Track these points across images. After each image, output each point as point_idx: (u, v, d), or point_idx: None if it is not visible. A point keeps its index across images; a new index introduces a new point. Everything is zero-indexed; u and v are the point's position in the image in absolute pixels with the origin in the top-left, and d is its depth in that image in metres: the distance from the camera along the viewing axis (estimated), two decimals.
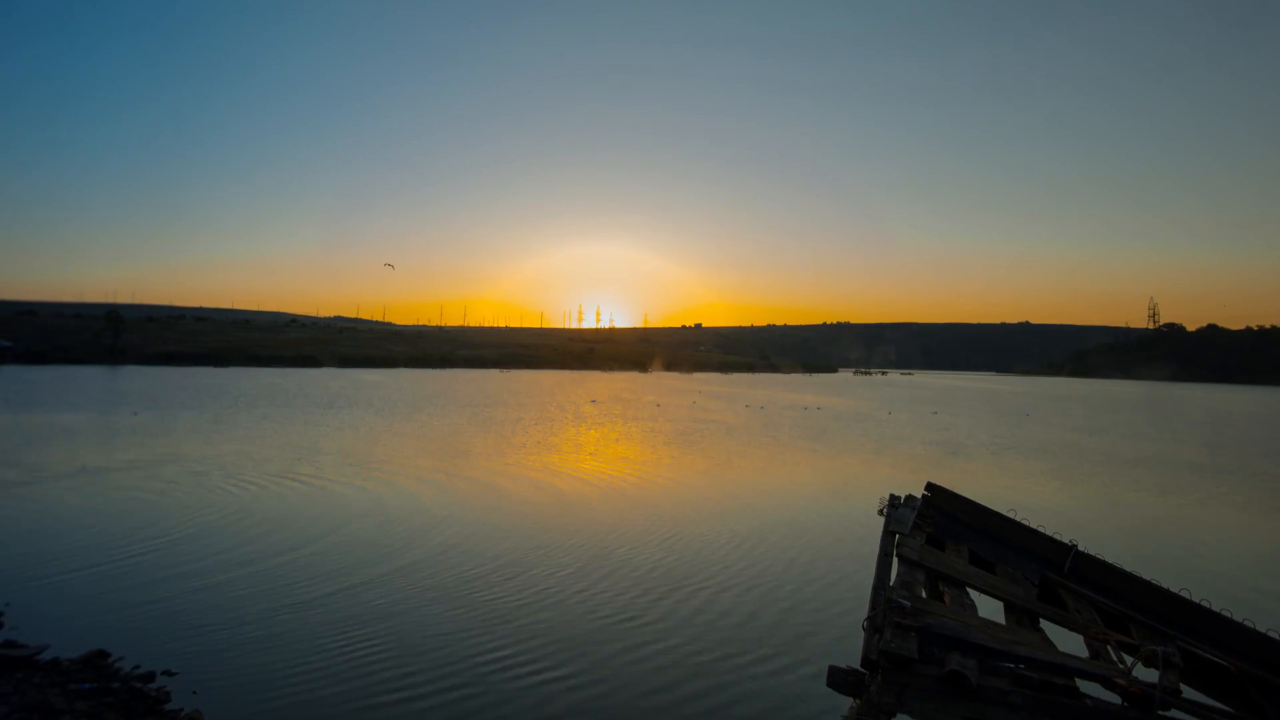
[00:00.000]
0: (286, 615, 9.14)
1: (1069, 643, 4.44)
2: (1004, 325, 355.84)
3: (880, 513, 5.68)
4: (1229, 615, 4.55)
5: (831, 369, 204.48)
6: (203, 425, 30.43)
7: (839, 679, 3.79)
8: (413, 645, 8.33)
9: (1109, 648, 4.14)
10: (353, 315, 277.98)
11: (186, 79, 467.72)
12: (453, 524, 14.35)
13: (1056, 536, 5.37)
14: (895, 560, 4.71)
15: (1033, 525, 5.51)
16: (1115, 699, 3.53)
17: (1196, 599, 4.66)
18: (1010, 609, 4.51)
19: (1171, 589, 4.79)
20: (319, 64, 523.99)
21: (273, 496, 16.53)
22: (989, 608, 4.64)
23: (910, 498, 6.07)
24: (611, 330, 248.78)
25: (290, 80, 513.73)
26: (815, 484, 20.35)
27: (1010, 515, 5.64)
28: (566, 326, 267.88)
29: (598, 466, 22.98)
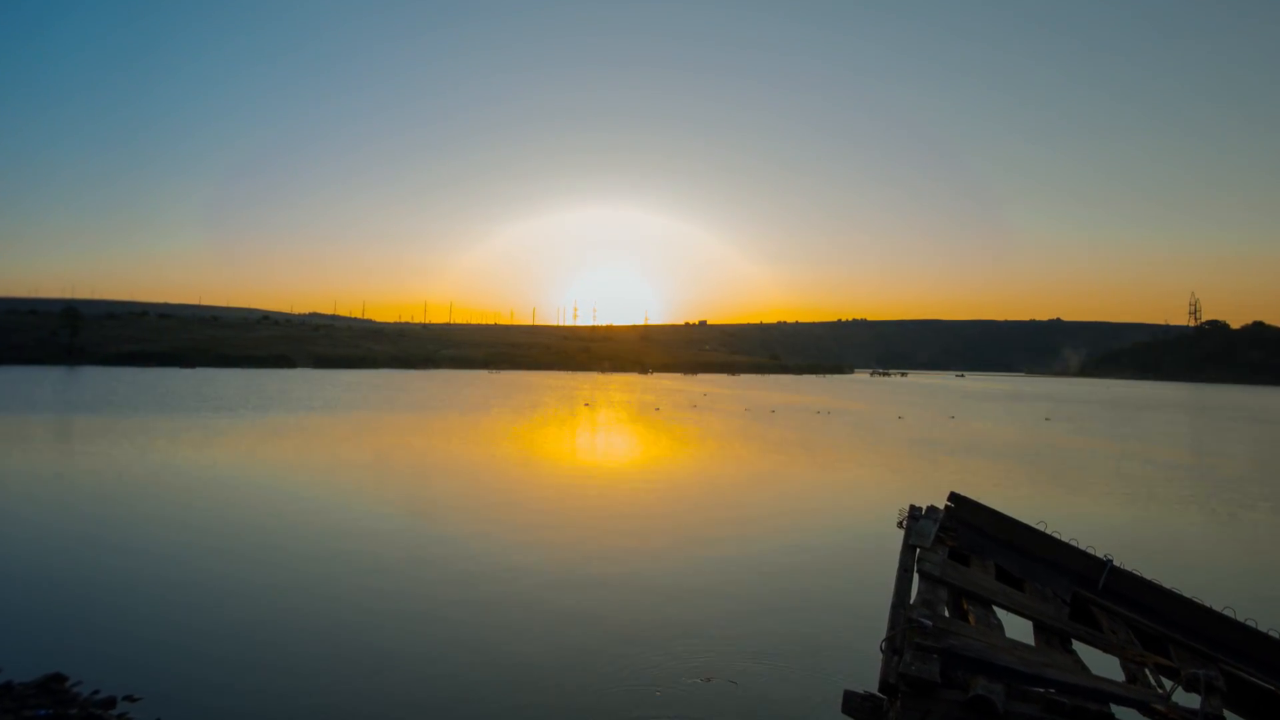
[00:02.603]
0: (256, 639, 9.14)
1: (1103, 665, 4.44)
2: (1034, 322, 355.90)
3: (900, 525, 5.68)
4: (1277, 636, 4.55)
5: (847, 369, 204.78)
6: (167, 436, 30.43)
7: (855, 705, 3.79)
8: (388, 670, 8.32)
9: (1146, 671, 4.13)
10: (330, 312, 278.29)
11: (145, 61, 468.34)
12: (435, 540, 14.35)
13: (1090, 550, 5.37)
14: (916, 576, 4.71)
15: (1064, 538, 5.50)
16: None
17: (1241, 618, 4.65)
18: (1040, 629, 4.50)
19: (1214, 607, 4.78)
20: (289, 42, 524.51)
21: (242, 514, 16.53)
22: (1017, 627, 4.64)
23: (932, 509, 6.07)
24: (609, 328, 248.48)
25: (259, 61, 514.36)
26: (829, 494, 20.37)
27: (1040, 527, 5.63)
28: (560, 324, 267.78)
29: (599, 476, 22.99)
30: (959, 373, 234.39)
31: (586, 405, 54.76)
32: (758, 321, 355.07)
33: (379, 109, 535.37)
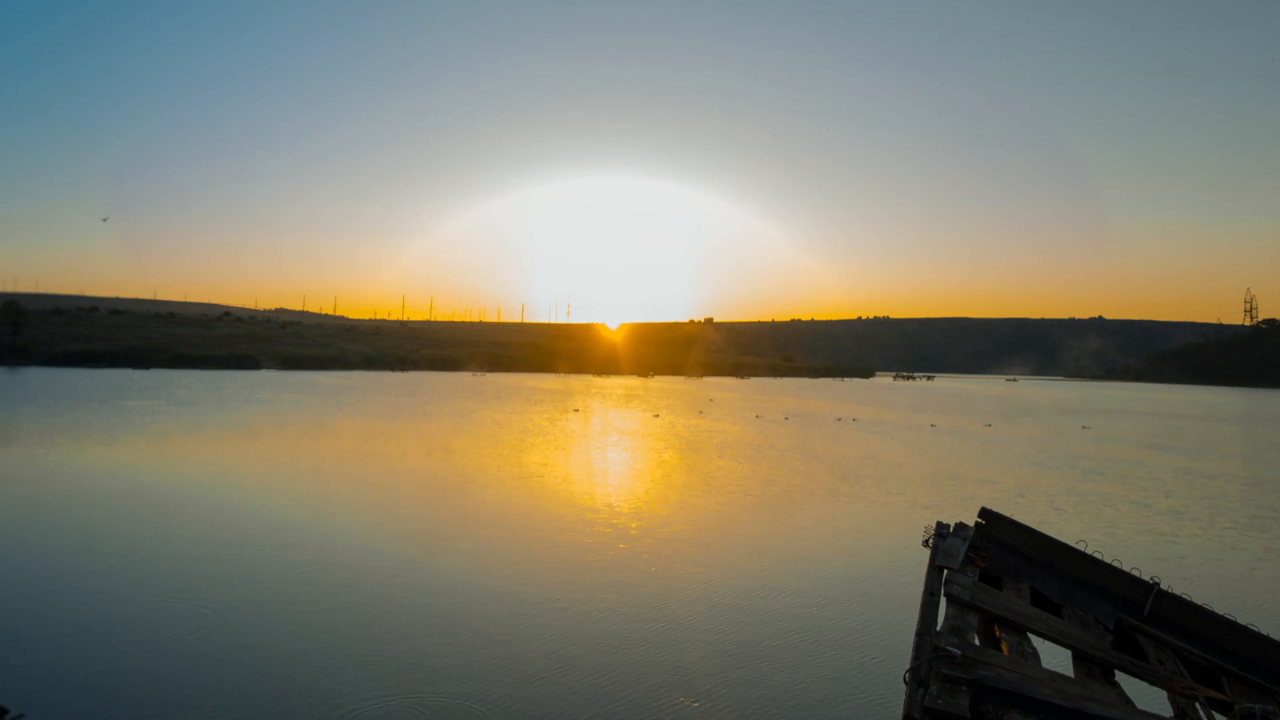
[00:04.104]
0: (215, 674, 9.14)
1: (1150, 699, 4.44)
2: (1073, 320, 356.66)
3: (925, 544, 5.67)
4: None
5: (866, 372, 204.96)
6: (116, 450, 30.41)
7: None
8: (359, 706, 8.32)
9: (1197, 705, 4.13)
10: (298, 308, 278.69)
11: (92, 34, 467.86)
12: (413, 564, 14.35)
13: (1135, 573, 5.37)
14: (943, 600, 4.70)
15: (1106, 559, 5.50)
16: None
17: None
18: (1080, 659, 4.50)
19: (1272, 635, 4.79)
20: (238, 20, 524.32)
21: (204, 542, 16.53)
22: (1054, 657, 4.64)
23: (961, 526, 6.06)
24: (604, 328, 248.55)
25: (206, 37, 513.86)
26: (851, 510, 20.36)
27: (1080, 547, 5.63)
28: (552, 322, 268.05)
29: (600, 496, 23.00)
30: (1011, 377, 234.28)
31: (576, 411, 54.75)
32: (770, 320, 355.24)
33: (342, 84, 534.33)
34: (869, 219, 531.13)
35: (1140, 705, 3.92)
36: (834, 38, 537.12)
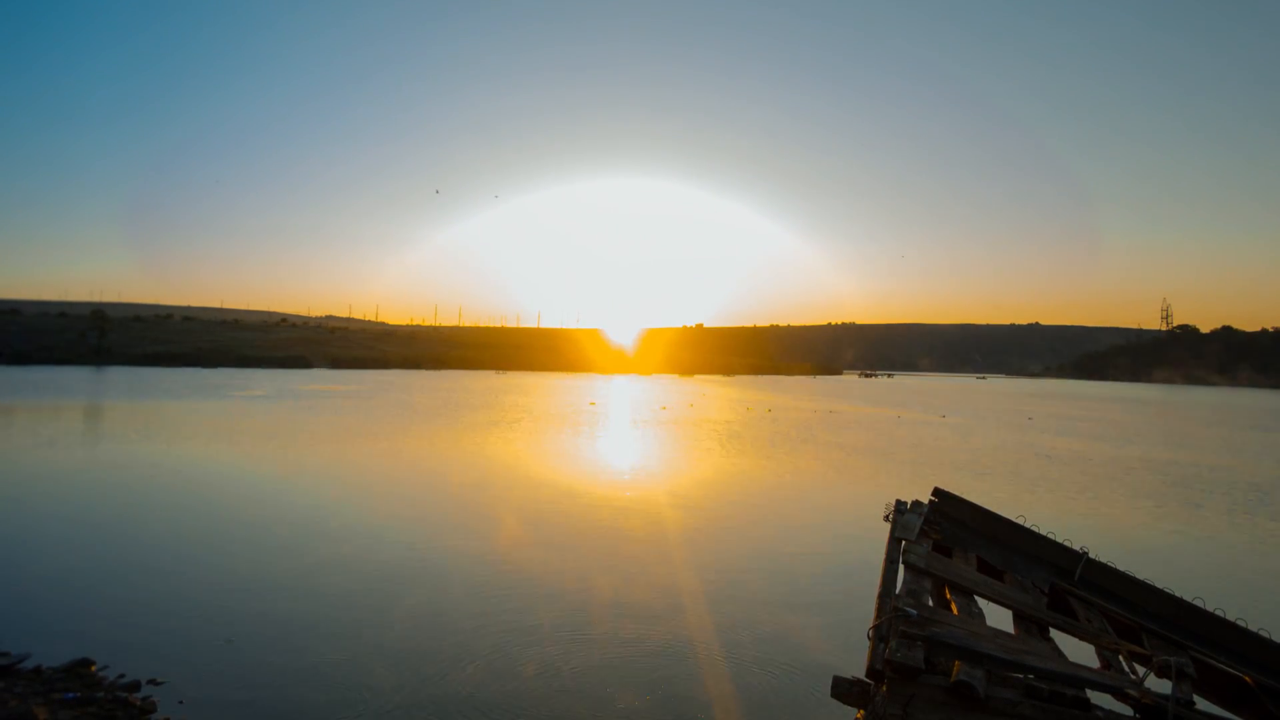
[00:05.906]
0: (279, 625, 9.13)
1: (1079, 653, 4.44)
2: (1013, 326, 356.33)
3: (886, 518, 5.67)
4: (1245, 625, 4.55)
5: (836, 370, 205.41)
6: (193, 429, 30.36)
7: (843, 689, 3.80)
8: (413, 658, 8.32)
9: (1121, 658, 4.13)
10: (344, 315, 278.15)
11: (170, 75, 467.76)
12: (454, 539, 14.35)
13: (1067, 544, 5.37)
14: (901, 567, 4.70)
15: (1042, 532, 5.50)
16: (1127, 710, 3.53)
17: (1210, 608, 4.65)
18: (1019, 618, 4.49)
19: (1185, 598, 4.78)
20: (300, 54, 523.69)
21: (268, 502, 16.52)
22: (997, 616, 4.64)
23: (917, 503, 6.06)
24: (609, 333, 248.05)
25: (282, 71, 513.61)
26: (820, 488, 20.36)
27: (1019, 521, 5.63)
28: (563, 327, 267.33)
29: (585, 472, 22.98)
30: (980, 375, 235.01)
31: (591, 404, 54.72)
32: (753, 326, 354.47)
33: (377, 124, 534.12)
34: (837, 238, 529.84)
35: (1071, 658, 3.92)
36: (834, 59, 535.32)
